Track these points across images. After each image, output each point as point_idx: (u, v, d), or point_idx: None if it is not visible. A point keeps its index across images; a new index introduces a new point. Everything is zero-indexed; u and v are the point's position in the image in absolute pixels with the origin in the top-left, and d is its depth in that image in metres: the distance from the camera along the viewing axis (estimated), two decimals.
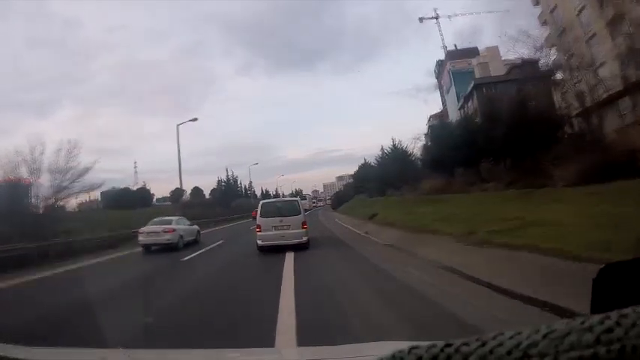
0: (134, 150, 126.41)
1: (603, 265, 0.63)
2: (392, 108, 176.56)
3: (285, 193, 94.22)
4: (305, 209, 15.34)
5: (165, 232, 13.51)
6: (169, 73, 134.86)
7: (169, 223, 14.15)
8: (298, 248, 10.11)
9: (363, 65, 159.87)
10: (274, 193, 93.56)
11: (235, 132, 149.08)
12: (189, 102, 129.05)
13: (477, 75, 57.15)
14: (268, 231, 10.35)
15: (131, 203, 49.93)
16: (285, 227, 10.32)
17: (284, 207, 11.07)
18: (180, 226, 14.47)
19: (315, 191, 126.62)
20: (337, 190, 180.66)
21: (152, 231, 13.65)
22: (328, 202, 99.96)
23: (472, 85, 43.52)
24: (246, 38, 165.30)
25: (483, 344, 0.31)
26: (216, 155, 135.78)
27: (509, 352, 0.29)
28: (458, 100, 55.38)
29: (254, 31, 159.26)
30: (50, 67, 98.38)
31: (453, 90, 57.98)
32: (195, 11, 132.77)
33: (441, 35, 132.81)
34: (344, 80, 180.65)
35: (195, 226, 16.32)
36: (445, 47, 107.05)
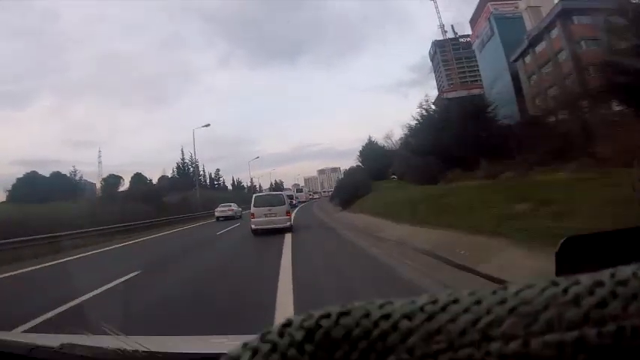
0: (108, 142, 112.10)
1: (565, 238, 0.60)
2: (373, 102, 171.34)
3: (261, 185, 79.25)
4: (302, 201, 39.56)
5: (229, 210, 22.99)
6: (145, 64, 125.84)
7: (230, 205, 23.48)
8: None
9: (343, 59, 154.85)
10: (249, 184, 76.13)
11: (212, 125, 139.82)
12: (165, 94, 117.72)
13: (528, 22, 41.22)
14: (260, 217, 12.14)
15: (50, 194, 31.72)
16: (273, 214, 12.15)
17: (272, 199, 13.08)
18: (235, 208, 23.42)
19: (296, 184, 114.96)
20: (320, 182, 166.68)
21: (222, 209, 23.11)
22: (324, 194, 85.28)
23: (558, 9, 27.46)
24: (225, 29, 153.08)
25: (430, 318, 0.21)
26: (191, 148, 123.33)
27: (462, 332, 0.20)
28: (505, 51, 39.10)
29: (233, 21, 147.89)
30: (24, 58, 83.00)
31: (496, 40, 41.42)
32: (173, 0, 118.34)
33: (438, 14, 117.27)
34: (324, 74, 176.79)
35: (240, 208, 23.69)
36: (442, 26, 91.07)
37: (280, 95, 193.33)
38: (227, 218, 21.91)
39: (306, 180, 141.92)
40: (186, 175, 46.31)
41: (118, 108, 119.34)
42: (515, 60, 34.44)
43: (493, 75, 44.84)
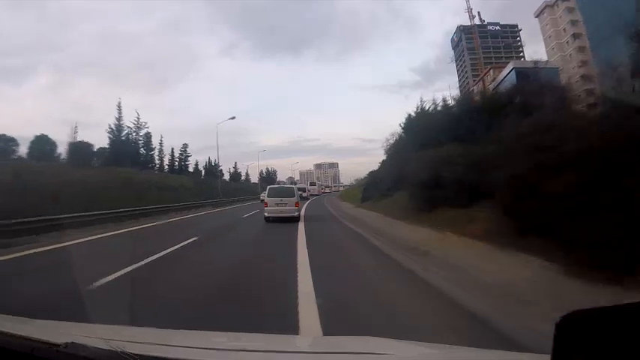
0: (105, 123, 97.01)
1: (567, 312, 0.61)
2: (372, 102, 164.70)
3: (248, 173, 64.52)
4: (314, 194, 41.67)
5: None
6: (149, 46, 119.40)
7: None
8: None
9: (347, 57, 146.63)
10: (232, 170, 59.59)
11: (211, 113, 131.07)
12: (167, 78, 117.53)
13: None
14: (272, 207, 13.38)
15: None
16: (283, 205, 13.34)
17: (284, 191, 14.30)
18: None
19: (290, 178, 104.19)
20: (317, 176, 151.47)
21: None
22: (334, 188, 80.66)
23: None
24: (231, 17, 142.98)
25: None
26: (190, 135, 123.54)
27: None
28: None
29: (241, 10, 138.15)
30: (27, 32, 78.04)
31: None
32: None
33: None
34: (327, 70, 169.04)
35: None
36: (470, 10, 79.27)
37: (282, 90, 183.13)
38: None
39: (302, 174, 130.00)
40: (123, 144, 29.54)
41: (118, 89, 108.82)
42: None
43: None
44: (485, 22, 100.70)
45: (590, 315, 0.59)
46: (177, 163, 40.42)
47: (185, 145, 41.12)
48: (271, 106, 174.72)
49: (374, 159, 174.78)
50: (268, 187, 15.31)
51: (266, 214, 13.36)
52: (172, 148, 40.68)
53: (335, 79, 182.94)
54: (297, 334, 2.82)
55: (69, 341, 1.04)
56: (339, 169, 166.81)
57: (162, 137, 38.57)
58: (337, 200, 32.24)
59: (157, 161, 36.50)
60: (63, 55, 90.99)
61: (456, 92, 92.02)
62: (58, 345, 1.04)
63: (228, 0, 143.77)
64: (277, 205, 13.25)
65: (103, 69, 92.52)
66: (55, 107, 74.69)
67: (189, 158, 42.19)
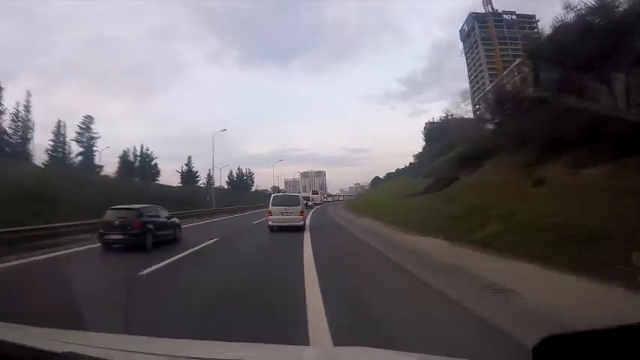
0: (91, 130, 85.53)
1: (545, 336, 0.62)
2: (359, 112, 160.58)
3: (211, 176, 49.27)
4: (317, 203, 44.00)
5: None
6: (134, 52, 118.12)
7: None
8: None
9: (334, 67, 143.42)
10: (184, 169, 43.46)
11: (197, 121, 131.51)
12: (152, 85, 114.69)
13: None
14: (276, 215, 13.52)
15: None
16: (288, 213, 13.52)
17: (288, 199, 14.30)
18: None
19: (275, 187, 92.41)
20: (303, 185, 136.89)
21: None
22: (335, 197, 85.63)
23: None
24: (219, 25, 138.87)
25: None
26: (174, 143, 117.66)
27: None
28: None
29: (229, 18, 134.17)
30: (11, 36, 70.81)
31: None
32: None
33: None
34: (314, 80, 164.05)
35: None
36: None
37: (266, 98, 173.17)
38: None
39: (287, 182, 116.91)
40: None
41: (98, 96, 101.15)
42: None
43: None
44: (500, 11, 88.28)
45: (566, 339, 0.59)
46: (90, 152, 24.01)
47: (88, 119, 24.65)
48: (256, 115, 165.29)
49: (361, 169, 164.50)
50: (273, 195, 15.91)
51: (270, 223, 13.61)
52: (60, 125, 24.43)
53: (322, 88, 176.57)
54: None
55: (67, 350, 1.02)
56: (326, 178, 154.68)
57: (29, 97, 22.52)
58: (386, 229, 13.59)
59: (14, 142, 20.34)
60: (42, 61, 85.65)
61: (466, 87, 78.71)
62: (56, 354, 1.02)
63: (214, 9, 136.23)
64: (282, 213, 13.55)
65: (84, 75, 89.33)
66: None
67: (97, 144, 25.69)
